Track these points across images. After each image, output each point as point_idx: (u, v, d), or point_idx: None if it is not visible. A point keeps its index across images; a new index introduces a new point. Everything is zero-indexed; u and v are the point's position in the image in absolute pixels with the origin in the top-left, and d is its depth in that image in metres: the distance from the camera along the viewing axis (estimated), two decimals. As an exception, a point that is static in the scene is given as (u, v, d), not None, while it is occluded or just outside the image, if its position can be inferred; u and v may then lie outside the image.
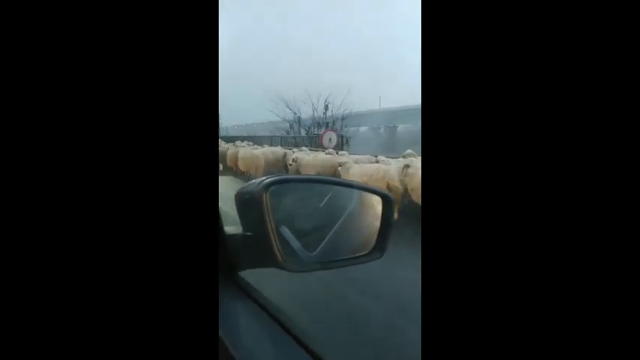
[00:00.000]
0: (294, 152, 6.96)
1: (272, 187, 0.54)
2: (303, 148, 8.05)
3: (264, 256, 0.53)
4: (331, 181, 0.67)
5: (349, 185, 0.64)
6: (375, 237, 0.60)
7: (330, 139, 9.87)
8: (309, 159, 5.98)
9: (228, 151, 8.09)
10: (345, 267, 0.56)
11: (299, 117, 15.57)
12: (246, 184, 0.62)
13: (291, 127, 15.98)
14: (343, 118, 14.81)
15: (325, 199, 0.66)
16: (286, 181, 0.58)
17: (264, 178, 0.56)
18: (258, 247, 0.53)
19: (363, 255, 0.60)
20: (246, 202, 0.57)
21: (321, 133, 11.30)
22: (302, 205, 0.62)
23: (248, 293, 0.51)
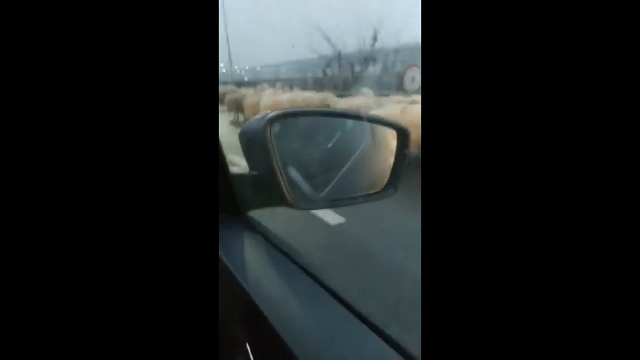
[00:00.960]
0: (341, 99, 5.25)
1: (276, 122, 0.50)
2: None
3: (272, 195, 0.51)
4: (341, 113, 0.61)
5: (361, 118, 0.59)
6: (388, 172, 0.57)
7: (413, 78, 7.23)
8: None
9: (247, 99, 6.73)
10: (357, 204, 0.54)
11: (339, 52, 12.18)
12: (249, 120, 0.57)
13: (328, 65, 12.88)
14: (397, 52, 11.06)
15: (336, 134, 0.61)
16: (291, 114, 0.53)
17: (266, 112, 0.51)
18: (265, 186, 0.52)
19: (375, 192, 0.57)
20: (250, 140, 0.53)
21: (405, 68, 8.11)
22: (310, 141, 0.57)
23: (257, 231, 0.51)
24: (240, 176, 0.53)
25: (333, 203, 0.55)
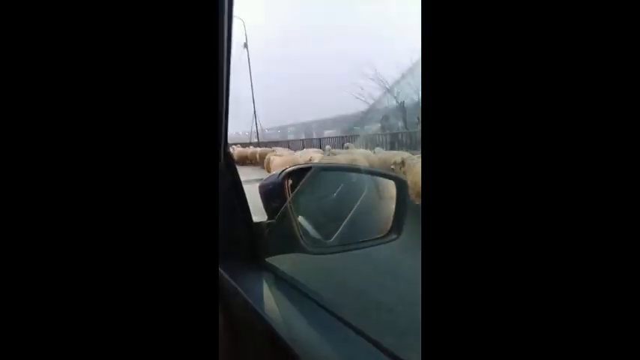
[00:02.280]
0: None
1: (291, 177, 0.58)
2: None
3: (287, 241, 0.57)
4: (345, 167, 0.70)
5: (363, 171, 0.67)
6: (391, 219, 0.63)
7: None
8: None
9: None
10: (364, 248, 0.60)
11: (402, 102, 9.26)
12: (268, 175, 0.66)
13: (386, 119, 10.02)
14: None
15: (340, 187, 0.69)
16: (303, 170, 0.62)
17: (283, 168, 0.60)
18: (281, 233, 0.58)
19: (380, 237, 0.63)
20: (269, 192, 0.61)
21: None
22: (321, 193, 0.65)
23: (276, 274, 0.56)
24: (259, 225, 0.59)
25: (341, 248, 0.60)
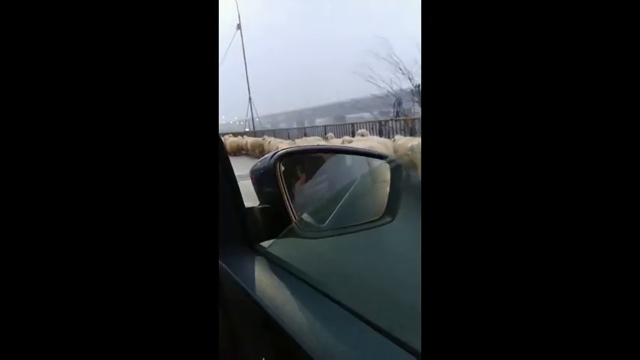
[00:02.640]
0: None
1: (284, 160, 0.56)
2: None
3: (281, 226, 0.56)
4: (339, 149, 0.68)
5: (358, 153, 0.66)
6: (385, 202, 0.63)
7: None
8: None
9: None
10: (359, 232, 0.59)
11: (418, 85, 8.40)
12: (260, 159, 0.64)
13: (398, 104, 9.36)
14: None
15: (334, 170, 0.68)
16: (296, 152, 0.60)
17: (274, 152, 0.58)
18: (275, 217, 0.57)
19: (374, 220, 0.62)
20: (261, 177, 0.59)
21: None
22: (314, 176, 0.64)
23: (268, 257, 0.55)
24: (251, 210, 0.58)
25: (336, 232, 0.59)
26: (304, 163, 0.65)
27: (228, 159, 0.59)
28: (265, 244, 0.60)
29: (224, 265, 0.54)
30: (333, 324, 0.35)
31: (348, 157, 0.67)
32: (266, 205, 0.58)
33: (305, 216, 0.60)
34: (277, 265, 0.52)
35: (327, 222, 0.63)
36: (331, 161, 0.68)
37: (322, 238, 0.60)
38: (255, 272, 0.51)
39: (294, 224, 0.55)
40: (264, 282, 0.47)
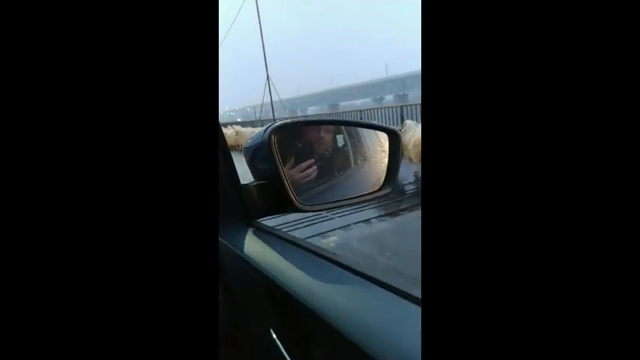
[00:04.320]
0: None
1: (279, 133, 0.54)
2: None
3: (279, 201, 0.55)
4: (336, 121, 0.66)
5: (355, 124, 0.64)
6: (384, 173, 0.62)
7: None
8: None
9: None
10: (358, 203, 0.59)
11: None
12: (254, 135, 0.62)
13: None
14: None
15: (332, 140, 0.66)
16: (291, 125, 0.58)
17: (268, 125, 0.56)
18: (272, 193, 0.56)
19: (373, 191, 0.62)
20: (255, 152, 0.58)
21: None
22: (309, 149, 0.62)
23: (267, 231, 0.55)
24: (247, 186, 0.57)
25: (335, 204, 0.59)
26: (300, 135, 0.63)
27: (224, 137, 0.57)
28: (265, 220, 0.60)
29: (224, 241, 0.54)
30: (341, 287, 0.35)
31: (347, 129, 0.65)
32: (261, 182, 0.57)
33: (303, 189, 0.59)
34: (279, 237, 0.52)
35: (326, 194, 0.62)
36: (329, 133, 0.66)
37: (321, 210, 0.60)
38: (257, 246, 0.51)
39: (292, 198, 0.54)
40: (267, 254, 0.47)
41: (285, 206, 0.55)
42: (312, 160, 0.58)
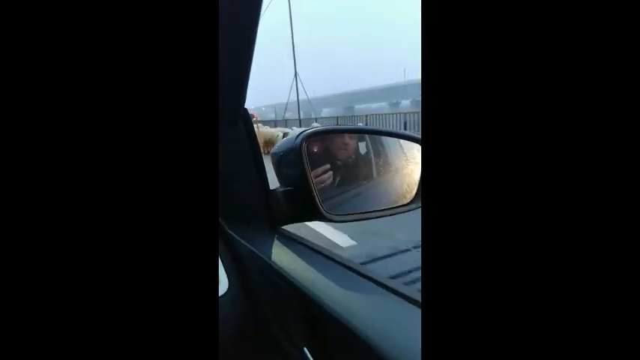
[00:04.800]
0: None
1: (310, 140, 0.53)
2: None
3: (305, 209, 0.54)
4: (368, 130, 0.64)
5: (388, 134, 0.62)
6: (415, 186, 0.59)
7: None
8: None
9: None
10: (385, 217, 0.56)
11: None
12: (283, 140, 0.61)
13: None
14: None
15: (362, 150, 0.64)
16: (323, 132, 0.57)
17: (301, 130, 0.55)
18: (299, 200, 0.54)
19: (402, 205, 0.59)
20: (284, 159, 0.57)
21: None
22: (339, 158, 0.60)
23: (292, 239, 0.54)
24: (274, 192, 0.56)
25: (362, 216, 0.57)
26: (331, 143, 0.61)
27: (255, 137, 0.56)
28: (289, 227, 0.58)
29: (249, 245, 0.53)
30: (383, 307, 0.34)
31: (379, 139, 0.63)
32: (289, 188, 0.56)
33: (327, 197, 0.57)
34: (301, 244, 0.51)
35: (351, 204, 0.61)
36: (352, 140, 0.65)
37: (347, 221, 0.58)
38: (286, 255, 0.49)
39: (320, 207, 0.52)
40: (297, 264, 0.46)
41: (311, 214, 0.54)
42: (328, 166, 0.57)
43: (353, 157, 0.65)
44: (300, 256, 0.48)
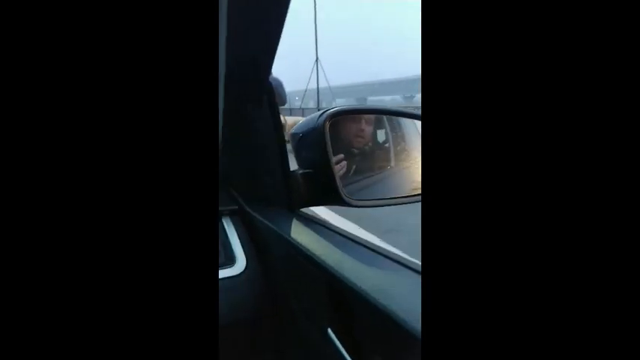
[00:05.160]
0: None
1: (333, 120, 0.51)
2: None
3: (325, 192, 0.52)
4: (395, 111, 0.61)
5: (416, 116, 0.59)
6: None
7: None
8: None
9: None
10: (409, 203, 0.55)
11: None
12: (302, 121, 0.59)
13: None
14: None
15: (387, 133, 0.62)
16: (346, 112, 0.55)
17: (323, 110, 0.53)
18: (319, 183, 0.53)
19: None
20: (305, 139, 0.55)
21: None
22: (364, 138, 0.58)
23: (312, 220, 0.53)
24: (293, 174, 0.54)
25: (384, 202, 0.55)
26: (346, 130, 0.59)
27: (279, 115, 0.54)
28: (307, 210, 0.57)
29: (271, 224, 0.52)
30: (392, 277, 0.34)
31: (406, 121, 0.60)
32: (308, 171, 0.54)
33: (351, 182, 0.56)
34: (322, 226, 0.50)
35: (371, 190, 0.59)
36: (385, 124, 0.62)
37: (368, 207, 0.56)
38: (307, 235, 0.48)
39: (340, 191, 0.51)
40: (319, 243, 0.45)
41: (331, 198, 0.52)
42: (342, 156, 0.55)
43: (370, 144, 0.62)
44: (321, 236, 0.47)
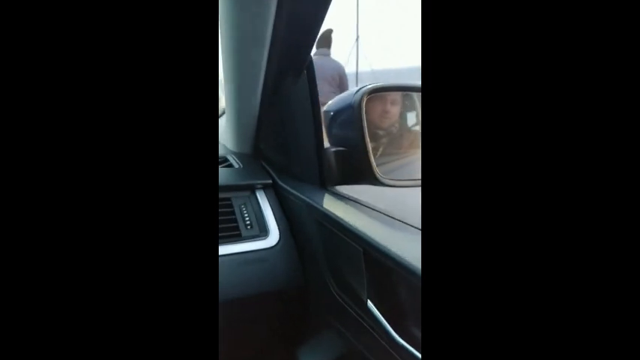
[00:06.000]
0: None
1: (371, 95, 0.50)
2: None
3: (359, 171, 0.52)
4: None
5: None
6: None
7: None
8: None
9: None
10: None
11: None
12: (337, 97, 0.58)
13: None
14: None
15: (417, 114, 0.60)
16: (384, 89, 0.53)
17: (360, 87, 0.51)
18: (352, 162, 0.52)
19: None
20: (340, 115, 0.54)
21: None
22: (400, 117, 0.56)
23: (343, 196, 0.53)
24: (326, 151, 0.54)
25: (417, 182, 0.54)
26: (380, 104, 0.57)
27: (316, 89, 0.54)
28: (340, 188, 0.57)
29: (305, 197, 0.53)
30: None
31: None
32: (341, 148, 0.54)
33: (384, 162, 0.55)
34: (358, 203, 0.50)
35: (405, 170, 0.57)
36: (417, 105, 0.60)
37: (403, 187, 0.55)
38: (338, 206, 0.49)
39: (375, 170, 0.50)
40: (348, 212, 0.46)
41: (365, 177, 0.52)
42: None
43: (397, 125, 0.60)
44: (357, 209, 0.47)
